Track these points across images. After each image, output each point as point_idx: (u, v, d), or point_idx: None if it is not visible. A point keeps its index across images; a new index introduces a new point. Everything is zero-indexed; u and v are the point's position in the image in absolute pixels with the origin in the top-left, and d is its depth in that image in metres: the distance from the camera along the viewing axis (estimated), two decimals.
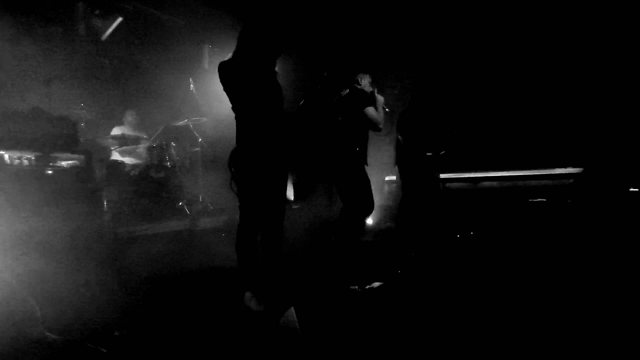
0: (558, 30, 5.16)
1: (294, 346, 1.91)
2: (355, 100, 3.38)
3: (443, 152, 3.71)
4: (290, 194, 6.00)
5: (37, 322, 2.17)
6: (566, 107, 5.24)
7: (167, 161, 5.15)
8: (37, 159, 3.59)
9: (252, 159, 2.27)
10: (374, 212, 3.54)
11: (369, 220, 3.67)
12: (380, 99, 3.44)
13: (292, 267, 3.46)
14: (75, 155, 3.97)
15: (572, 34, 5.10)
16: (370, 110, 3.34)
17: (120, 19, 5.55)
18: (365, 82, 3.50)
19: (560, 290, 2.69)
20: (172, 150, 5.29)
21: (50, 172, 3.61)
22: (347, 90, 3.44)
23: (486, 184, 5.27)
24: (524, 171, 5.18)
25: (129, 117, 5.39)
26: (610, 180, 4.56)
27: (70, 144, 3.90)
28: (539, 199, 4.80)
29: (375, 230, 4.95)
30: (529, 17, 5.26)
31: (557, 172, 5.06)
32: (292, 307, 2.04)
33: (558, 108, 5.27)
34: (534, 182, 5.09)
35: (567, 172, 4.98)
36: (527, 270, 3.20)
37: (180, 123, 5.46)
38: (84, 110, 4.58)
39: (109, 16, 5.50)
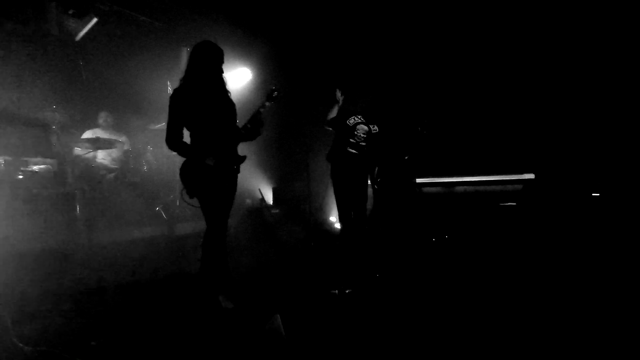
0: (535, 38, 5.34)
1: (281, 350, 1.95)
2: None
3: (407, 156, 3.71)
4: (269, 198, 6.00)
5: (8, 332, 2.12)
6: (537, 115, 5.46)
7: (144, 165, 5.07)
8: (7, 163, 3.48)
9: (203, 170, 2.44)
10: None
11: (337, 225, 3.68)
12: None
13: (274, 270, 3.49)
14: (47, 160, 3.86)
15: (550, 41, 5.27)
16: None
17: (95, 20, 5.42)
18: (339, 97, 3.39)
19: (535, 290, 2.83)
20: (149, 154, 5.20)
21: (20, 176, 3.50)
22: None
23: (460, 188, 5.44)
24: (495, 176, 5.39)
25: (102, 119, 5.19)
26: (573, 184, 4.81)
27: (41, 148, 3.79)
28: (509, 203, 5.00)
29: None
30: (500, 27, 5.47)
31: (526, 178, 5.30)
32: (278, 315, 2.10)
33: (530, 116, 5.49)
34: (502, 187, 5.31)
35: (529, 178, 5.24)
36: (500, 271, 3.35)
37: (157, 126, 5.38)
38: (56, 113, 4.43)
39: (84, 16, 5.36)
